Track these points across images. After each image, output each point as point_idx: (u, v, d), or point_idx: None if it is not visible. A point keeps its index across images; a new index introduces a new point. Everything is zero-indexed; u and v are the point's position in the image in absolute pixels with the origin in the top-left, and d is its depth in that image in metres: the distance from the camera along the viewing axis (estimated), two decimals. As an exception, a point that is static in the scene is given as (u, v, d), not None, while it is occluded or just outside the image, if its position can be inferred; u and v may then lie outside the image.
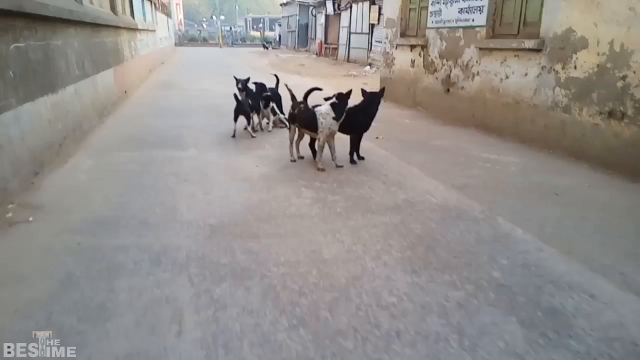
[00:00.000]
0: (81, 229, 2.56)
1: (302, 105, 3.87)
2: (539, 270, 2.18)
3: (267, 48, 33.28)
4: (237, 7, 65.08)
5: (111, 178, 3.49)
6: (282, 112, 5.48)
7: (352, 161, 4.06)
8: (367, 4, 18.05)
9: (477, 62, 5.54)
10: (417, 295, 1.94)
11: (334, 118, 3.71)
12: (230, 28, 45.81)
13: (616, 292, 2.01)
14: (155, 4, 15.57)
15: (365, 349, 1.60)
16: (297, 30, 32.78)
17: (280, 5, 37.92)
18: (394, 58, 7.83)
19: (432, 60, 6.60)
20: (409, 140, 5.11)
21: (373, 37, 17.58)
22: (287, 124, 5.48)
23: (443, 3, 6.14)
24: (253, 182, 3.48)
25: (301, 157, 4.16)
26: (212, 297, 1.90)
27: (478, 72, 5.53)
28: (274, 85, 5.40)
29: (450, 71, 6.11)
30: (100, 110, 5.73)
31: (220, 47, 36.66)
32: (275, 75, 5.53)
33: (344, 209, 2.96)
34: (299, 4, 31.19)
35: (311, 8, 29.17)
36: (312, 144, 4.16)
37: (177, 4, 37.59)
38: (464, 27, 5.74)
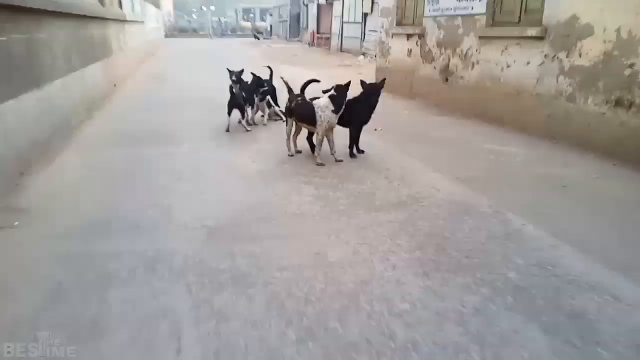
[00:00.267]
0: (70, 234, 2.41)
1: (299, 99, 3.73)
2: (556, 269, 2.08)
3: (258, 39, 32.83)
4: (227, -3, 64.11)
5: (101, 177, 3.33)
6: (277, 105, 5.33)
7: (352, 155, 3.93)
8: (360, -8, 17.78)
9: (477, 51, 5.40)
10: (431, 301, 1.82)
11: (333, 111, 3.57)
12: (219, 19, 45.09)
13: None
14: (143, -5, 15.19)
15: (380, 363, 1.49)
16: (289, 20, 32.37)
17: (272, -5, 37.35)
18: (390, 47, 7.67)
19: (429, 49, 6.45)
20: (409, 132, 4.98)
21: (366, 26, 17.35)
22: (283, 117, 5.34)
23: (441, -10, 5.98)
24: (250, 179, 3.34)
25: (299, 152, 4.02)
26: (213, 308, 1.77)
27: (478, 62, 5.40)
28: (268, 77, 5.22)
29: (449, 61, 5.97)
30: (89, 105, 5.54)
31: (211, 38, 36.16)
32: (269, 67, 5.35)
33: (347, 207, 2.83)
34: (291, -6, 30.77)
35: (303, -3, 28.78)
36: (310, 138, 4.03)
37: (166, -5, 36.88)
38: (463, 16, 5.59)
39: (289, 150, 3.96)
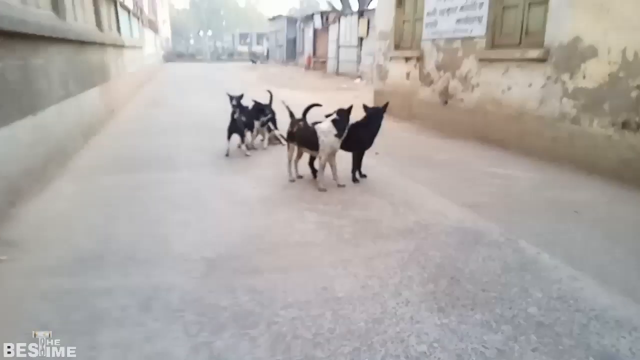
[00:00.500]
0: (60, 268, 2.27)
1: (301, 123, 3.65)
2: (579, 303, 1.95)
3: (255, 62, 33.20)
4: (224, 22, 65.30)
5: (96, 205, 3.20)
6: (276, 128, 5.25)
7: (355, 180, 3.83)
8: (355, 17, 18.08)
9: (476, 73, 5.38)
10: (449, 341, 1.69)
11: (335, 135, 3.48)
12: (215, 43, 45.67)
13: (670, 328, 1.79)
14: (142, 20, 15.36)
15: (399, 415, 1.34)
16: (285, 44, 32.82)
17: (268, 20, 38.00)
18: (388, 71, 7.68)
19: (428, 72, 6.44)
20: (410, 155, 4.90)
21: (362, 50, 17.56)
22: (283, 140, 5.26)
23: (439, 14, 6.01)
24: (251, 206, 3.22)
25: (300, 177, 3.92)
26: (212, 352, 1.63)
27: (478, 84, 5.37)
28: (268, 101, 5.16)
29: (448, 83, 5.95)
30: (86, 131, 5.44)
31: (209, 62, 36.56)
32: (269, 91, 5.30)
33: (352, 235, 2.71)
34: (287, 19, 31.29)
35: (299, 22, 29.26)
36: (311, 163, 3.93)
37: (164, 20, 37.47)
38: (462, 38, 5.60)
39: (290, 175, 3.86)
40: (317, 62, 24.39)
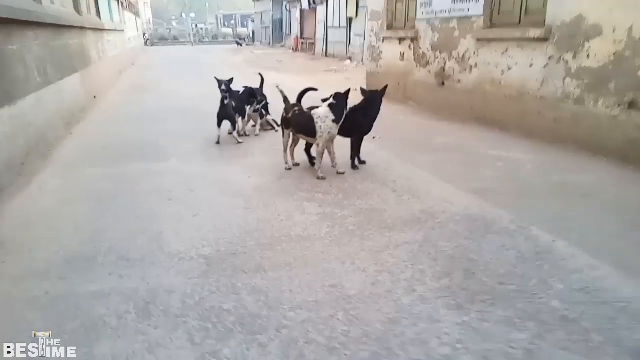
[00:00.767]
0: (49, 271, 2.11)
1: (296, 109, 3.47)
2: (602, 295, 1.86)
3: (240, 45, 32.50)
4: (207, 4, 63.62)
5: (83, 200, 3.02)
6: (268, 113, 5.07)
7: (354, 166, 3.69)
8: (343, -3, 17.66)
9: (474, 53, 5.23)
10: (472, 342, 1.58)
11: (333, 121, 3.33)
12: (196, 25, 44.46)
13: (699, 319, 1.71)
14: (122, 3, 14.81)
15: None
16: (271, 25, 32.12)
17: (253, 0, 37.10)
18: (381, 52, 7.47)
19: (423, 52, 6.27)
20: (409, 138, 4.77)
21: (352, 30, 17.23)
22: (276, 126, 5.08)
23: (434, -8, 5.81)
24: (247, 197, 3.07)
25: (297, 165, 3.77)
26: (221, 362, 1.50)
27: (476, 64, 5.23)
28: (258, 86, 4.95)
29: (445, 64, 5.79)
30: (68, 119, 5.20)
31: (192, 45, 35.72)
32: (260, 75, 5.09)
33: (356, 226, 2.59)
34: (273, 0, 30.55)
35: (285, 3, 28.57)
36: (308, 150, 3.79)
37: (144, 3, 36.33)
38: (459, 17, 5.42)
39: (286, 163, 3.70)
40: (305, 44, 23.93)
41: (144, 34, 31.99)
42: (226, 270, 2.11)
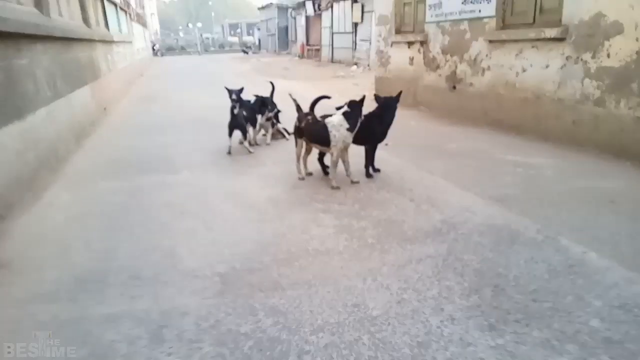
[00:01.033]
0: (58, 292, 2.03)
1: (309, 117, 3.39)
2: (645, 312, 1.74)
3: (247, 53, 32.66)
4: (213, 13, 64.24)
5: (93, 216, 2.95)
6: (279, 122, 5.00)
7: (369, 175, 3.59)
8: (348, 2, 17.66)
9: (487, 55, 5.12)
10: (510, 368, 1.47)
11: (347, 129, 3.23)
12: (201, 35, 44.77)
13: None
14: (130, 14, 14.92)
15: None
16: (276, 33, 32.27)
17: (258, 9, 37.33)
18: (390, 56, 7.39)
19: (433, 56, 6.17)
20: (421, 144, 4.66)
21: (357, 36, 17.20)
22: (286, 134, 5.01)
23: (444, -6, 5.72)
24: (261, 209, 2.98)
25: (310, 174, 3.69)
26: (241, 394, 1.40)
27: (489, 67, 5.12)
28: (269, 94, 4.89)
29: (456, 67, 5.69)
30: (78, 132, 5.16)
31: (199, 54, 35.99)
32: (271, 83, 5.02)
33: (376, 239, 2.48)
34: (277, 7, 30.70)
35: (290, 10, 28.69)
36: (321, 159, 3.70)
37: (152, 13, 36.73)
38: (470, 19, 5.32)
39: (299, 172, 3.62)
40: (311, 50, 23.96)
41: (154, 45, 32.31)
42: (242, 289, 2.02)
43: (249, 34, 46.12)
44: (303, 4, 24.09)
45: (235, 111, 4.31)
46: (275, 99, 4.92)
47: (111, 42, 9.33)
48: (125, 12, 13.58)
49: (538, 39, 4.33)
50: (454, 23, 5.63)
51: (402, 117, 6.01)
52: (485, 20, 5.07)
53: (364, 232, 2.59)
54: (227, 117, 4.36)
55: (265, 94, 4.84)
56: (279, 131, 5.02)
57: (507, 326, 1.68)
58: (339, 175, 3.43)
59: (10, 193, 3.04)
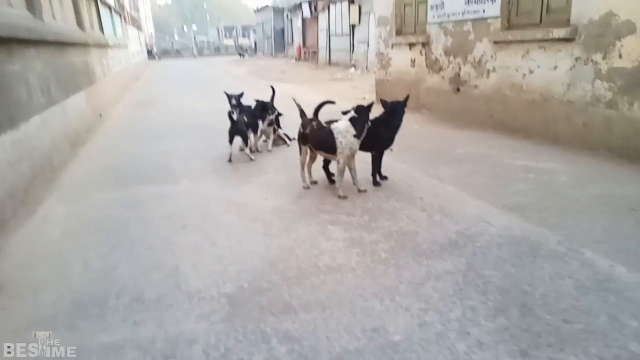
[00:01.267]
0: (56, 318, 1.89)
1: (314, 123, 3.27)
2: (686, 334, 1.62)
3: (243, 56, 32.51)
4: (208, 16, 64.02)
5: (91, 231, 2.81)
6: (280, 127, 4.87)
7: (376, 183, 3.48)
8: (345, 4, 17.56)
9: (491, 57, 5.02)
10: (550, 402, 1.35)
11: (354, 136, 3.11)
12: (194, 38, 44.55)
13: None
14: (125, 18, 14.76)
15: None
16: (273, 35, 32.15)
17: (254, 11, 37.22)
18: (390, 58, 7.28)
19: (436, 58, 6.06)
20: (428, 149, 4.55)
21: (355, 38, 17.10)
22: (287, 140, 4.89)
23: (446, -5, 5.62)
24: (266, 222, 2.85)
25: (315, 182, 3.57)
26: None
27: (494, 68, 5.01)
28: (269, 98, 4.76)
29: (460, 69, 5.58)
30: (74, 140, 5.02)
31: (195, 57, 35.82)
32: (272, 87, 4.90)
33: (389, 253, 2.36)
34: (273, 9, 30.58)
35: (286, 12, 28.58)
36: (326, 166, 3.58)
37: (146, 17, 36.53)
38: (473, 20, 5.22)
39: (304, 181, 3.49)
40: (308, 53, 23.86)
41: (152, 49, 32.09)
42: (252, 312, 1.89)
43: (244, 36, 45.96)
44: (299, 6, 23.99)
45: (235, 117, 4.18)
46: (276, 104, 4.80)
47: (106, 45, 9.18)
48: (120, 15, 13.43)
49: (546, 40, 4.23)
50: (457, 24, 5.52)
51: (405, 121, 5.79)
52: (490, 20, 4.96)
53: (376, 245, 2.46)
54: (227, 123, 4.23)
55: (265, 98, 4.71)
56: (280, 137, 4.90)
57: (540, 351, 1.56)
58: (345, 184, 3.31)
59: (2, 208, 2.89)
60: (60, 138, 4.55)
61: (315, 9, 21.45)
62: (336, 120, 3.24)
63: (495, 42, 4.93)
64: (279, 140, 4.93)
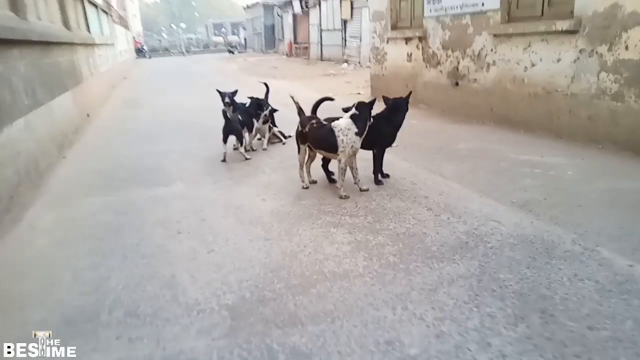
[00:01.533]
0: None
1: (314, 121, 3.13)
2: None
3: (233, 52, 32.17)
4: (196, 13, 63.42)
5: (81, 239, 2.66)
6: (275, 125, 4.73)
7: (378, 181, 3.36)
8: (337, -1, 17.39)
9: (491, 50, 4.91)
10: (586, 422, 1.24)
11: (356, 133, 2.99)
12: (181, 35, 43.97)
13: None
14: (112, 16, 14.47)
15: None
16: (263, 32, 31.85)
17: (244, 8, 36.86)
18: (386, 53, 7.16)
19: (433, 52, 5.95)
20: (428, 145, 4.43)
21: (347, 32, 16.95)
22: (283, 138, 4.75)
23: (444, -12, 5.50)
24: (266, 225, 2.72)
25: (314, 182, 3.44)
26: None
27: (494, 62, 4.91)
28: (263, 95, 4.62)
29: (458, 63, 5.48)
30: (60, 142, 4.84)
31: (184, 55, 35.40)
32: (265, 84, 4.76)
33: (398, 257, 2.25)
34: (263, 5, 30.28)
35: (276, 8, 28.31)
36: (325, 165, 3.46)
37: (134, 15, 36.02)
38: (472, 13, 5.11)
39: (303, 181, 3.37)
40: (299, 49, 23.65)
41: (143, 47, 31.61)
42: (256, 325, 1.76)
43: (233, 33, 45.51)
44: (290, 2, 23.75)
45: (229, 115, 4.04)
46: (270, 101, 4.66)
47: (93, 44, 8.96)
48: (107, 13, 13.15)
49: (548, 32, 4.13)
50: (455, 17, 5.41)
51: (403, 116, 5.82)
52: (489, 13, 4.86)
53: (382, 248, 2.35)
54: (219, 121, 4.08)
55: (259, 95, 4.56)
56: (274, 135, 4.76)
57: (569, 364, 1.46)
58: (346, 183, 3.18)
59: (-14, 216, 2.74)
60: (47, 140, 4.38)
61: (307, 4, 21.24)
62: (336, 118, 3.12)
63: (496, 35, 4.82)
64: (274, 138, 4.79)
